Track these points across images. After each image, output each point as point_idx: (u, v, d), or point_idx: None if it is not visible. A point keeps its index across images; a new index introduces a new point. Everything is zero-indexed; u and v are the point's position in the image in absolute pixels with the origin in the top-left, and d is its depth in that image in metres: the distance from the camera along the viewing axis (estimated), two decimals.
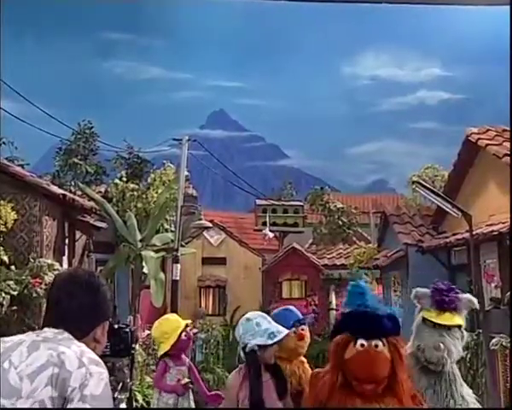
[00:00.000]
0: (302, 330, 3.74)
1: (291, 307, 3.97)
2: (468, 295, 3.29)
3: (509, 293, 8.64)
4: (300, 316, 3.83)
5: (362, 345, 2.61)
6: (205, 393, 5.19)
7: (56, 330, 2.04)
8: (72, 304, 2.10)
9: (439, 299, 3.17)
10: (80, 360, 1.92)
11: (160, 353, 4.99)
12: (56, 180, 17.36)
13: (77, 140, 20.11)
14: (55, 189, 10.47)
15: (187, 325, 5.13)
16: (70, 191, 14.18)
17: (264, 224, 23.11)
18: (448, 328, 3.11)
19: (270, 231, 23.00)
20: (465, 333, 3.19)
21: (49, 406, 1.83)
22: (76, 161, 19.04)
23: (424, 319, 3.18)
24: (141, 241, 14.10)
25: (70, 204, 10.65)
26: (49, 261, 8.84)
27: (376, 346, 2.61)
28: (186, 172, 17.71)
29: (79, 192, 15.23)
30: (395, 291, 15.57)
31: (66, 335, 2.03)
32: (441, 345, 3.06)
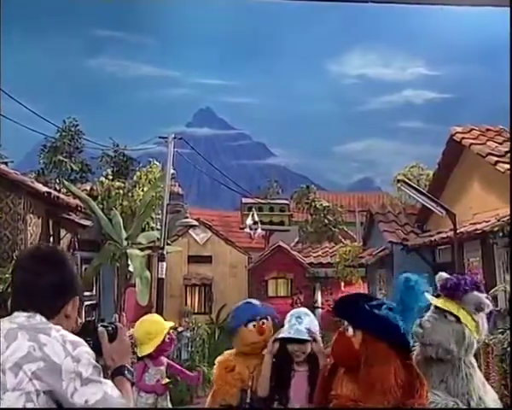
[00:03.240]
0: (263, 324, 3.70)
1: (253, 301, 3.95)
2: (479, 295, 3.12)
3: (491, 291, 8.72)
4: (262, 310, 3.79)
5: (340, 323, 2.86)
6: (187, 376, 5.67)
7: (27, 314, 1.97)
8: (39, 283, 2.02)
9: (444, 283, 3.16)
10: (64, 348, 1.88)
11: (142, 354, 4.93)
12: (41, 178, 17.18)
13: (62, 137, 19.96)
14: (39, 186, 10.39)
15: (170, 328, 5.11)
16: (55, 189, 14.05)
17: (256, 223, 23.10)
18: (444, 315, 3.08)
19: (253, 228, 23.01)
20: (467, 332, 3.06)
21: (33, 398, 1.79)
22: (61, 158, 18.89)
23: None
24: (126, 239, 14.04)
25: (55, 202, 10.58)
26: None
27: (347, 330, 2.77)
28: (172, 171, 17.65)
29: (64, 190, 15.12)
30: (380, 289, 15.66)
31: (39, 318, 1.96)
32: (426, 322, 3.06)
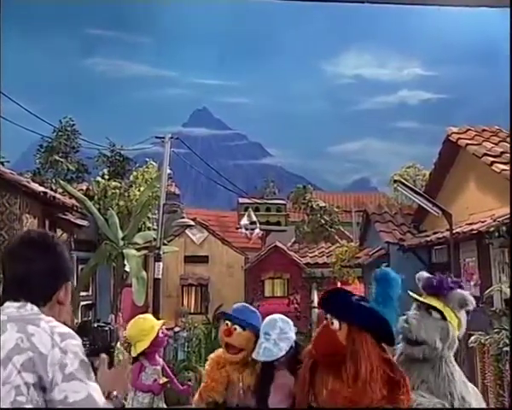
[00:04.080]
0: (235, 329, 3.70)
1: (245, 306, 3.96)
2: (463, 292, 3.18)
3: (487, 291, 8.76)
4: (240, 317, 3.75)
5: (326, 318, 2.80)
6: (177, 387, 5.54)
7: (18, 304, 1.92)
8: (29, 269, 1.96)
9: (428, 281, 3.17)
10: (52, 339, 1.83)
11: (138, 351, 4.98)
12: (37, 178, 17.14)
13: (58, 137, 19.93)
14: (35, 186, 10.36)
15: (163, 324, 5.17)
16: (51, 189, 14.03)
17: (253, 223, 23.09)
18: (429, 312, 3.09)
19: (249, 229, 23.01)
20: (451, 329, 3.08)
21: (24, 391, 1.76)
22: (57, 158, 18.86)
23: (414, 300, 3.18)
24: (123, 239, 14.04)
25: (51, 202, 10.56)
26: None
27: (332, 324, 2.74)
28: (168, 171, 17.64)
29: (60, 190, 15.10)
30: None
31: (29, 307, 1.92)
32: (412, 320, 3.05)
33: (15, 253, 2.03)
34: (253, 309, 3.94)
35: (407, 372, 2.88)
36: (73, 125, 20.52)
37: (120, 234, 14.09)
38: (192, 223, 18.15)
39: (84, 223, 13.38)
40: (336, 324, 2.73)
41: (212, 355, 3.91)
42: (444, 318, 3.09)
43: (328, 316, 2.78)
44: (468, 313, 3.24)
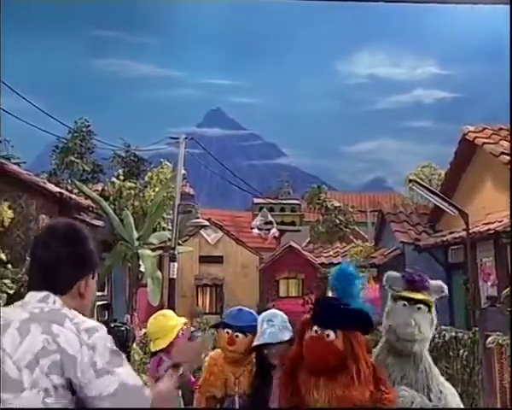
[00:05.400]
0: (236, 336, 3.67)
1: (244, 310, 3.90)
2: (438, 281, 3.29)
3: (505, 291, 8.66)
4: (241, 324, 3.71)
5: (315, 331, 2.79)
6: (190, 380, 5.48)
7: (40, 296, 1.92)
8: (49, 257, 1.96)
9: (410, 278, 3.20)
10: (79, 337, 1.82)
11: (156, 349, 4.99)
12: (53, 178, 17.32)
13: (73, 138, 20.10)
14: (51, 187, 10.46)
15: (184, 324, 5.15)
16: (67, 189, 14.14)
17: (268, 223, 23.10)
18: (418, 307, 3.13)
19: (263, 229, 23.02)
20: (435, 319, 3.19)
21: (52, 393, 1.75)
22: (72, 159, 19.03)
23: (394, 299, 3.19)
24: (138, 239, 14.10)
25: (66, 202, 10.64)
26: None
27: (328, 336, 2.75)
28: (183, 171, 17.71)
29: (76, 190, 15.21)
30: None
31: (52, 300, 1.91)
32: (412, 321, 3.07)
33: (41, 241, 2.04)
34: (249, 310, 3.92)
35: (388, 368, 3.00)
36: (88, 126, 20.69)
37: (135, 234, 14.15)
38: (207, 223, 18.17)
39: (100, 223, 13.44)
40: (332, 335, 2.77)
41: (211, 353, 3.93)
42: (429, 310, 3.18)
43: (317, 328, 2.80)
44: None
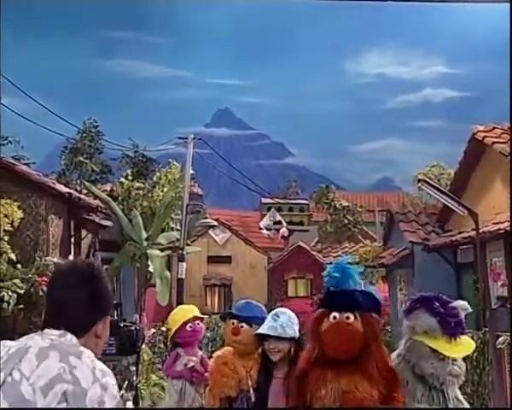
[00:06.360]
0: (241, 327, 3.71)
1: (251, 303, 3.92)
2: (462, 303, 2.97)
3: None
4: (246, 314, 3.76)
5: (334, 317, 2.83)
6: (203, 374, 5.47)
7: (58, 332, 1.93)
8: (70, 298, 1.97)
9: (452, 328, 2.80)
10: (94, 374, 1.84)
11: (171, 339, 5.18)
12: (62, 179, 17.38)
13: (82, 139, 20.14)
14: (60, 187, 10.49)
15: (196, 318, 5.14)
16: (76, 190, 14.20)
17: (278, 223, 23.07)
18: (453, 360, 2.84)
19: (272, 229, 23.01)
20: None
21: None
22: (81, 159, 19.06)
23: (430, 348, 2.82)
24: (146, 239, 14.13)
25: (76, 203, 10.67)
26: (55, 260, 8.85)
27: (348, 318, 2.80)
28: (191, 171, 17.74)
29: (85, 191, 15.26)
30: (401, 290, 15.53)
31: (69, 337, 1.93)
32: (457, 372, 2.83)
33: (59, 280, 2.06)
34: (257, 304, 3.95)
35: (408, 383, 2.87)
36: (97, 126, 20.72)
37: (144, 235, 14.18)
38: (215, 223, 18.19)
39: (108, 223, 13.49)
40: (352, 317, 2.80)
41: (218, 353, 3.93)
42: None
43: (336, 314, 2.82)
44: None
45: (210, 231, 22.41)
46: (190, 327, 5.06)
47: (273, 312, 3.58)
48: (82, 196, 11.56)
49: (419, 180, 12.59)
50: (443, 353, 2.77)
